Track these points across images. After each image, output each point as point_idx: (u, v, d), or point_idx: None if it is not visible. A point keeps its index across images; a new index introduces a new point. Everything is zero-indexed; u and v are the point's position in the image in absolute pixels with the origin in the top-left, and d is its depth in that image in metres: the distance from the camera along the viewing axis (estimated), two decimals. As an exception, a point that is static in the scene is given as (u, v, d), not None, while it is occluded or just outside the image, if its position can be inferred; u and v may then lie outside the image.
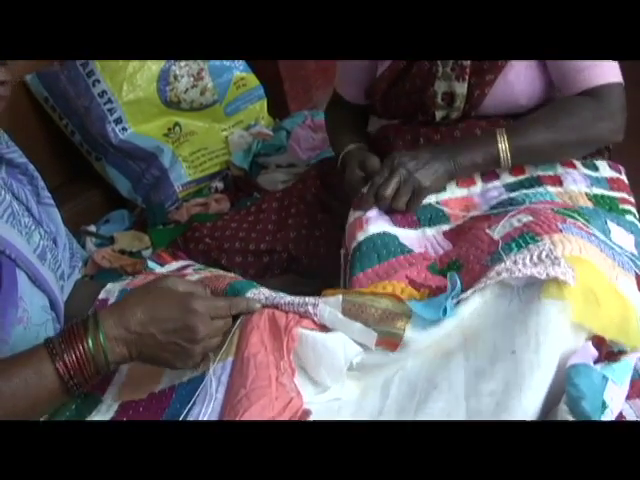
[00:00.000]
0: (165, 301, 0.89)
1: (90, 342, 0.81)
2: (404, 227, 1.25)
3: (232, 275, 1.20)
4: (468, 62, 1.32)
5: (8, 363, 0.81)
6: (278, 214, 1.64)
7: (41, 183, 1.16)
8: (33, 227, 1.06)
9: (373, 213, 1.26)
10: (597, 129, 1.27)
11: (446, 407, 0.86)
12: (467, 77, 1.34)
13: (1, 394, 0.77)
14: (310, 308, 0.95)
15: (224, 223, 1.65)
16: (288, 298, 0.99)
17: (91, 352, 0.81)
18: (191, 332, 0.87)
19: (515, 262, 0.93)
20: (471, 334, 0.93)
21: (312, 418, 0.89)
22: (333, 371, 0.92)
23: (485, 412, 0.84)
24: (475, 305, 0.94)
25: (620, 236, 1.12)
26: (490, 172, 1.31)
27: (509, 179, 1.29)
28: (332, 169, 1.67)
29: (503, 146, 1.23)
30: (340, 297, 0.96)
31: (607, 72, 1.27)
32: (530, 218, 1.02)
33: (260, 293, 1.02)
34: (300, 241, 1.57)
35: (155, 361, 0.90)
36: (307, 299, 0.97)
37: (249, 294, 1.02)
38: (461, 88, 1.36)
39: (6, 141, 1.11)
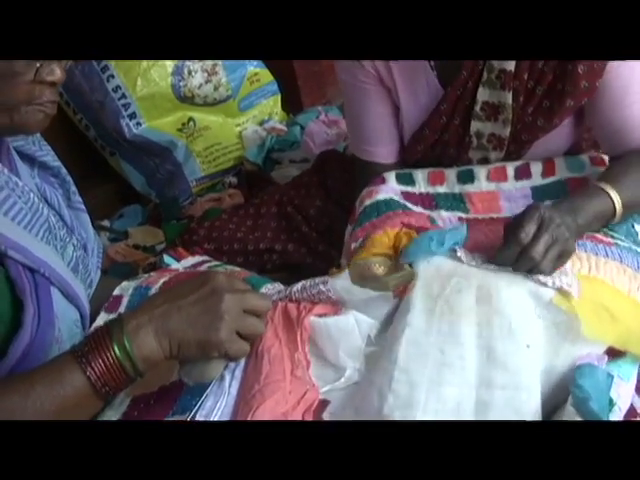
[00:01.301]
0: (186, 282, 0.87)
1: (116, 348, 0.79)
2: (417, 205, 1.26)
3: (246, 272, 1.20)
4: (507, 134, 1.29)
5: (39, 377, 0.78)
6: (278, 222, 1.61)
7: (73, 187, 1.15)
8: (67, 239, 1.05)
9: (384, 187, 1.28)
10: None
11: (458, 394, 0.85)
12: (505, 148, 1.33)
13: (36, 411, 0.76)
14: (322, 287, 0.97)
15: (221, 223, 1.63)
16: (299, 284, 1.00)
17: (119, 359, 0.78)
18: (216, 294, 0.83)
19: None
20: (483, 296, 0.92)
21: (331, 406, 0.89)
22: (352, 351, 0.92)
23: (494, 406, 0.84)
24: (484, 269, 0.95)
25: None
26: (522, 170, 1.30)
27: (538, 180, 1.27)
28: (333, 170, 1.66)
29: (618, 203, 1.09)
30: (346, 271, 0.97)
31: None
32: None
33: (274, 288, 1.02)
34: (300, 247, 1.56)
35: (187, 341, 0.82)
36: (316, 279, 0.99)
37: (263, 289, 1.02)
38: (497, 155, 1.35)
39: (39, 141, 1.11)
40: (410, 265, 0.98)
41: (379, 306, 0.97)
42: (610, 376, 0.83)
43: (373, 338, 0.94)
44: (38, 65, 0.87)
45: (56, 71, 0.89)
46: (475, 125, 1.32)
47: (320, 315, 0.95)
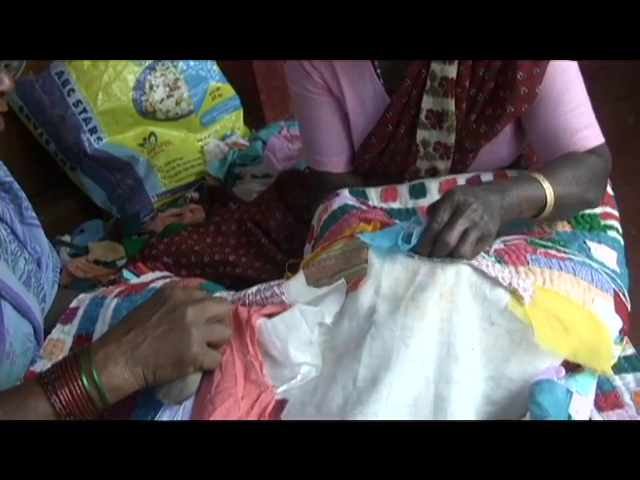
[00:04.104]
0: (146, 303, 0.87)
1: (84, 379, 0.78)
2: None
3: (199, 279, 1.21)
4: (452, 142, 1.31)
5: (1, 402, 0.77)
6: (237, 238, 1.61)
7: (25, 203, 1.12)
8: (19, 253, 1.03)
9: (338, 199, 1.29)
10: (603, 189, 1.25)
11: (417, 389, 0.86)
12: (451, 155, 1.34)
13: None
14: (276, 289, 0.97)
15: (181, 239, 1.62)
16: (254, 288, 1.00)
17: (86, 389, 0.77)
18: (178, 310, 0.83)
19: (481, 263, 0.95)
20: (446, 293, 0.92)
21: (290, 405, 0.89)
22: (302, 345, 0.92)
23: (453, 401, 0.85)
24: (449, 267, 0.94)
25: (602, 253, 1.13)
26: (473, 181, 1.31)
27: None
28: (292, 188, 1.67)
29: (550, 192, 1.09)
30: (300, 272, 0.98)
31: (599, 133, 1.25)
32: (501, 245, 1.04)
33: (228, 294, 1.03)
34: (254, 261, 1.56)
35: (161, 364, 0.81)
36: (271, 283, 0.99)
37: (217, 294, 1.03)
38: (444, 165, 1.36)
39: None
40: (365, 260, 0.98)
41: (333, 302, 0.97)
42: (569, 392, 0.83)
43: (324, 327, 0.94)
44: None
45: (4, 80, 0.86)
46: (421, 134, 1.33)
47: (268, 315, 0.94)
